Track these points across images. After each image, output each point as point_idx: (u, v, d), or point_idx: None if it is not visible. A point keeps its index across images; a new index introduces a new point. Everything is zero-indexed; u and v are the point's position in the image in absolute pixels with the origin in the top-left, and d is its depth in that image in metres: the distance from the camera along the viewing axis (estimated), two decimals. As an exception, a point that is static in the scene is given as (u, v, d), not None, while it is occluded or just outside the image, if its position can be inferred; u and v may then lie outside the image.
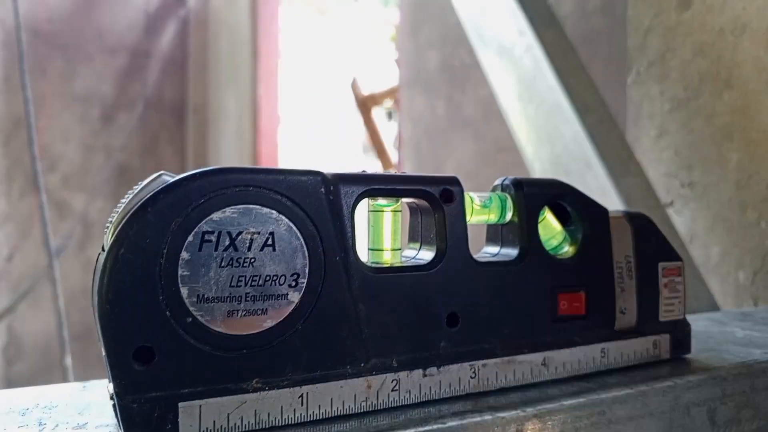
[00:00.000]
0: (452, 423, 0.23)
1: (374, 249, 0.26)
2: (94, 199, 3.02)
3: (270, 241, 0.22)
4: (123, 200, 0.22)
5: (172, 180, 0.21)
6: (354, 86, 2.04)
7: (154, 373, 0.21)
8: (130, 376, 0.20)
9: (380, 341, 0.24)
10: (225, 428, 0.21)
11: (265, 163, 2.74)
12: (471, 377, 0.26)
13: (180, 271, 0.21)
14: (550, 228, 0.30)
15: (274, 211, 0.22)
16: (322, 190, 0.23)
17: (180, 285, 0.21)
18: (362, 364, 0.24)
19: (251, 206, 0.22)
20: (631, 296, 0.31)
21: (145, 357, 0.20)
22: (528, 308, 0.28)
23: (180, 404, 0.21)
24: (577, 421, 0.26)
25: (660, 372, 0.31)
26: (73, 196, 3.04)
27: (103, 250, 0.21)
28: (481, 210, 0.29)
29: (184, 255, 0.21)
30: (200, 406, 0.21)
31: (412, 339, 0.25)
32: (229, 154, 2.99)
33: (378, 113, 2.15)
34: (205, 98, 3.23)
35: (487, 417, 0.24)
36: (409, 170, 1.59)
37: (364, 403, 0.24)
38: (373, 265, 0.25)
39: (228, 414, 0.22)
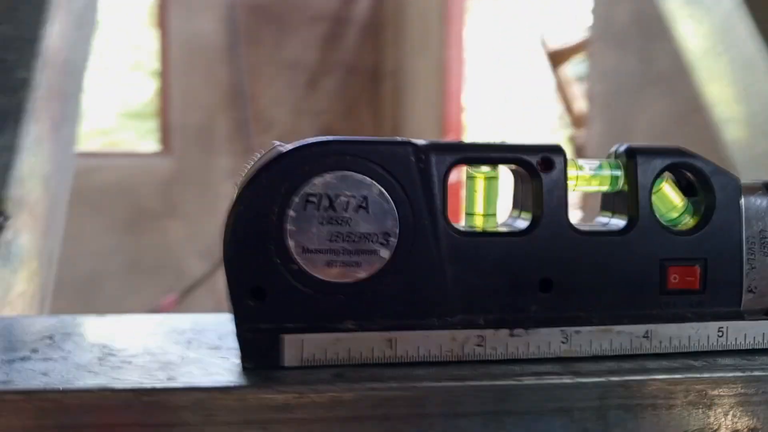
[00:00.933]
0: (529, 381, 0.25)
1: (468, 213, 0.28)
2: (300, 159, 3.33)
3: (364, 204, 0.25)
4: (247, 166, 0.26)
5: (283, 151, 0.25)
6: (543, 41, 1.97)
7: (265, 309, 0.25)
8: (245, 311, 0.25)
9: (467, 300, 0.26)
10: (323, 360, 0.25)
11: (452, 127, 2.78)
12: (562, 342, 0.27)
13: (287, 227, 0.25)
14: (668, 199, 0.29)
15: (367, 178, 0.25)
16: (412, 158, 0.26)
17: (287, 238, 0.25)
18: (448, 319, 0.26)
19: (347, 173, 0.25)
20: (764, 275, 0.29)
21: (258, 295, 0.25)
22: (632, 279, 0.28)
23: (285, 336, 0.25)
24: (670, 398, 0.25)
25: (793, 359, 0.28)
26: (284, 155, 3.36)
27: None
28: (591, 178, 0.28)
29: (291, 213, 0.25)
30: (302, 340, 0.25)
31: (500, 300, 0.27)
32: (419, 117, 3.08)
33: (569, 70, 2.06)
34: (399, 63, 3.34)
35: (567, 380, 0.25)
36: (598, 131, 1.51)
37: (449, 354, 0.26)
38: (464, 229, 0.27)
39: (325, 348, 0.25)
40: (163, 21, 3.20)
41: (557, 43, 2.01)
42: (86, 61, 0.73)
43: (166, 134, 3.28)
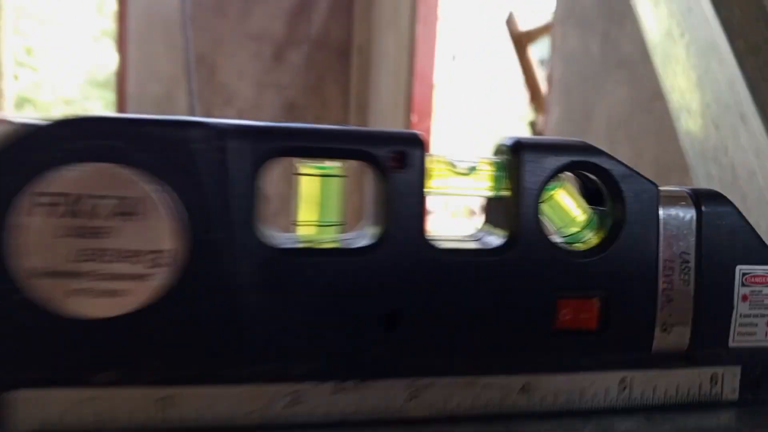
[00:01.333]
0: (347, 461, 0.18)
1: (297, 222, 0.21)
2: (264, 135, 3.23)
3: (124, 209, 0.18)
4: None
5: (6, 132, 0.17)
6: (510, 22, 1.89)
7: (-18, 354, 0.18)
8: (-48, 356, 0.18)
9: (280, 341, 0.19)
10: (66, 427, 0.18)
11: (418, 105, 2.70)
12: (410, 398, 0.20)
13: (7, 240, 0.17)
14: (563, 210, 0.22)
15: (131, 172, 0.18)
16: (203, 146, 0.18)
17: (8, 256, 0.17)
18: (251, 368, 0.19)
19: (101, 164, 0.18)
20: (683, 309, 0.22)
21: (-29, 336, 0.18)
22: (508, 315, 0.21)
23: (11, 393, 0.18)
24: (543, 480, 0.19)
25: (714, 420, 0.22)
26: (247, 130, 3.26)
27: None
28: (463, 178, 0.21)
29: (15, 221, 0.17)
30: (36, 397, 0.18)
31: (327, 342, 0.20)
32: (387, 95, 2.99)
33: (535, 52, 1.98)
34: (368, 38, 3.24)
35: (398, 460, 0.18)
36: (556, 116, 1.45)
37: (249, 416, 0.19)
38: (282, 245, 0.20)
39: (68, 410, 0.18)
40: (120, -15, 3.05)
41: (525, 24, 1.93)
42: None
43: (122, 105, 3.14)
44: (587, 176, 0.23)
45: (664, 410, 0.22)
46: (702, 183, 0.67)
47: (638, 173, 0.22)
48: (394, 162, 0.20)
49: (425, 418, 0.20)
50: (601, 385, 0.22)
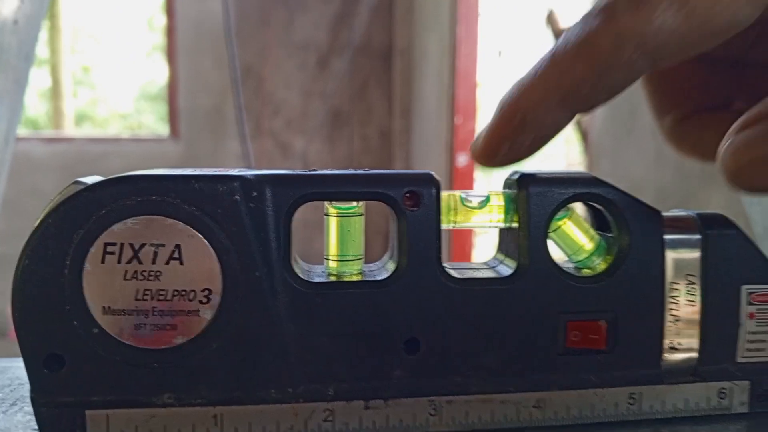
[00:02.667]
0: (374, 472, 0.20)
1: (325, 258, 0.23)
2: (312, 141, 3.29)
3: (176, 254, 0.21)
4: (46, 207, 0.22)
5: (75, 191, 0.21)
6: (550, 19, 1.88)
7: (64, 379, 0.21)
8: (41, 382, 0.21)
9: (313, 366, 0.22)
10: (134, 440, 0.21)
11: (461, 106, 2.70)
12: (431, 414, 0.22)
13: (84, 283, 0.20)
14: (570, 239, 0.24)
15: (180, 222, 0.21)
16: (238, 197, 0.21)
17: (85, 296, 0.21)
18: (289, 390, 0.22)
19: (155, 217, 0.21)
20: (690, 328, 0.24)
21: (55, 364, 0.21)
22: (521, 338, 0.23)
23: (88, 412, 0.21)
24: (553, 489, 0.21)
25: (714, 430, 0.23)
26: (295, 138, 3.33)
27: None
28: (477, 212, 0.24)
29: (88, 267, 0.20)
30: (107, 416, 0.21)
31: (355, 365, 0.22)
32: (430, 97, 3.01)
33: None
34: (410, 41, 3.26)
35: (419, 471, 0.20)
36: (602, 115, 1.44)
37: (289, 431, 0.22)
38: (313, 279, 0.22)
39: (136, 426, 0.21)
40: (170, 2, 3.17)
41: (566, 21, 1.91)
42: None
43: (174, 118, 3.26)
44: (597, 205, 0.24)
45: (672, 423, 0.24)
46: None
47: (641, 202, 0.24)
48: (409, 201, 0.22)
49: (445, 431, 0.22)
50: (610, 401, 0.23)
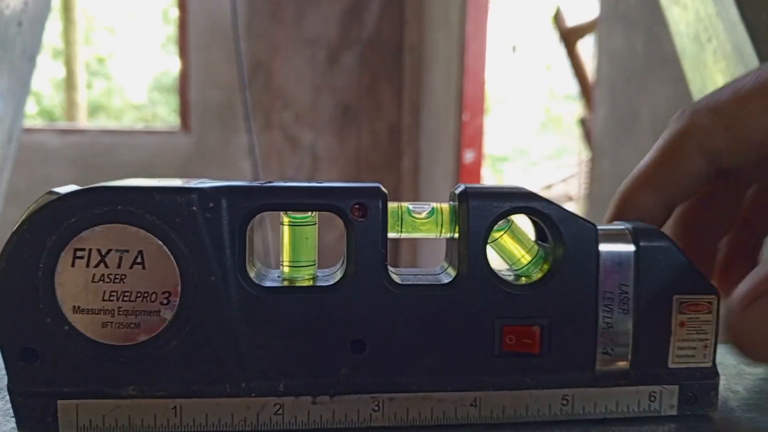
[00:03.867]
0: (315, 461, 0.22)
1: (281, 263, 0.25)
2: (321, 136, 3.31)
3: (139, 260, 0.23)
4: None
5: (48, 201, 0.23)
6: (557, 18, 1.88)
7: (38, 372, 0.23)
8: (17, 373, 0.23)
9: (265, 363, 0.24)
10: (101, 427, 0.23)
11: (469, 102, 2.71)
12: (374, 410, 0.24)
13: (56, 284, 0.23)
14: (508, 250, 0.26)
15: (142, 230, 0.23)
16: (195, 208, 0.23)
17: (57, 296, 0.23)
18: (242, 385, 0.24)
19: (119, 225, 0.23)
20: (623, 335, 0.25)
21: (30, 357, 0.23)
22: (459, 341, 0.25)
23: (59, 402, 0.23)
24: (481, 481, 0.23)
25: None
26: (303, 132, 3.35)
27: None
28: (423, 223, 0.25)
29: (59, 269, 0.22)
30: (77, 406, 0.23)
31: (305, 363, 0.24)
32: (439, 94, 3.01)
33: (585, 48, 1.96)
34: (420, 37, 3.27)
35: (356, 462, 0.22)
36: (603, 115, 1.45)
37: (242, 423, 0.24)
38: (264, 284, 0.24)
39: (103, 415, 0.23)
40: (182, -3, 3.19)
41: (573, 20, 1.92)
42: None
43: (185, 112, 3.30)
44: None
45: (604, 424, 0.25)
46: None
47: (577, 215, 0.25)
48: (357, 212, 0.24)
49: (387, 427, 0.24)
50: (544, 402, 0.25)
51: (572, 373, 0.25)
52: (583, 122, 1.73)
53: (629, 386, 0.26)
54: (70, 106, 5.31)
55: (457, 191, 0.25)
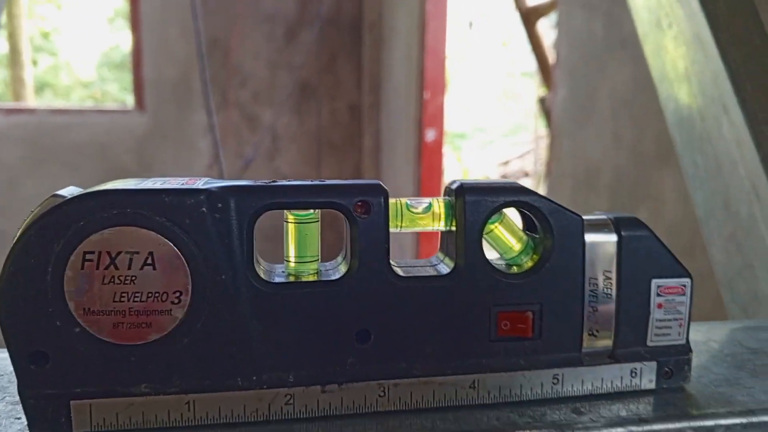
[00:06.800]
0: (327, 447, 0.23)
1: (285, 260, 0.26)
2: (280, 114, 3.27)
3: (150, 261, 0.23)
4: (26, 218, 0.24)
5: (54, 204, 0.23)
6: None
7: (49, 374, 0.23)
8: (27, 376, 0.23)
9: (275, 357, 0.25)
10: (115, 425, 0.24)
11: (430, 81, 2.72)
12: (380, 396, 0.26)
13: (66, 287, 0.23)
14: (501, 241, 0.27)
15: (152, 232, 0.23)
16: (204, 209, 0.23)
17: (67, 299, 0.23)
18: (254, 378, 0.25)
19: (129, 228, 0.23)
20: (607, 317, 0.27)
21: (40, 360, 0.23)
22: (458, 327, 0.26)
23: (72, 402, 0.23)
24: (482, 459, 0.24)
25: (633, 406, 0.27)
26: (262, 110, 3.30)
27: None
28: (421, 217, 0.26)
29: (68, 272, 0.23)
30: (90, 405, 0.24)
31: (313, 355, 0.25)
32: (399, 72, 3.01)
33: (545, 27, 1.99)
34: (379, 14, 3.24)
35: (366, 446, 0.23)
36: (562, 96, 1.48)
37: (255, 414, 0.25)
38: (273, 280, 0.25)
39: (117, 413, 0.24)
40: (131, -31, 3.08)
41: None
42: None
43: (139, 90, 3.20)
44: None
45: (590, 399, 0.27)
46: (689, 171, 0.71)
47: (565, 208, 0.27)
48: (360, 209, 0.25)
49: (393, 411, 0.26)
50: (536, 381, 0.27)
51: (561, 354, 0.27)
52: (542, 101, 1.76)
53: (613, 364, 0.27)
54: (16, 83, 5.08)
55: (453, 186, 0.26)
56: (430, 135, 2.75)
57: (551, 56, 1.95)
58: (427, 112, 2.76)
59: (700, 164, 0.71)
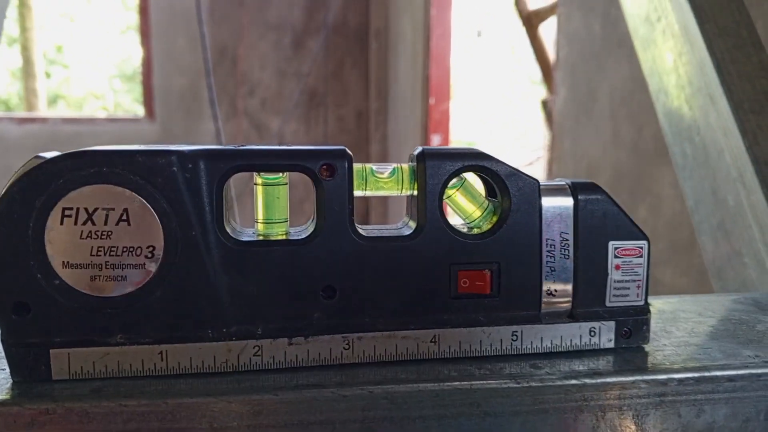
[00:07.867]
0: (286, 396, 0.25)
1: (255, 221, 0.27)
2: (287, 122, 3.30)
3: (125, 217, 0.25)
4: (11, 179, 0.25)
5: (36, 164, 0.24)
6: (519, 1, 1.91)
7: (30, 323, 0.25)
8: (10, 325, 0.25)
9: (244, 310, 0.26)
10: (91, 373, 0.25)
11: (435, 88, 2.74)
12: (344, 348, 0.27)
13: (46, 241, 0.24)
14: (460, 205, 0.28)
15: (127, 190, 0.25)
16: (175, 168, 0.25)
17: (47, 252, 0.24)
18: (223, 330, 0.26)
19: (105, 185, 0.24)
20: (565, 278, 0.28)
21: (22, 310, 0.25)
22: (420, 284, 0.27)
23: (51, 351, 0.25)
24: (440, 408, 0.25)
25: (590, 363, 0.28)
26: (270, 118, 3.34)
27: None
28: (383, 183, 0.28)
29: (48, 227, 0.24)
30: (69, 354, 0.25)
31: (281, 309, 0.26)
32: (405, 79, 3.03)
33: (546, 30, 2.00)
34: (385, 22, 3.27)
35: (328, 393, 0.25)
36: (563, 96, 1.49)
37: (224, 364, 0.26)
38: (242, 238, 0.26)
39: (93, 362, 0.25)
40: (142, -18, 3.14)
41: (534, 4, 1.95)
42: None
43: (149, 99, 3.25)
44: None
45: (550, 357, 0.28)
46: (678, 162, 0.72)
47: (522, 172, 0.28)
48: (325, 172, 0.26)
49: (357, 363, 0.27)
50: (496, 338, 0.28)
51: (520, 311, 0.28)
52: (545, 104, 1.77)
53: (572, 323, 0.29)
54: (29, 95, 5.17)
55: (416, 152, 0.28)
56: (435, 140, 2.77)
57: (553, 59, 1.96)
58: (432, 118, 2.78)
59: (689, 154, 0.72)
